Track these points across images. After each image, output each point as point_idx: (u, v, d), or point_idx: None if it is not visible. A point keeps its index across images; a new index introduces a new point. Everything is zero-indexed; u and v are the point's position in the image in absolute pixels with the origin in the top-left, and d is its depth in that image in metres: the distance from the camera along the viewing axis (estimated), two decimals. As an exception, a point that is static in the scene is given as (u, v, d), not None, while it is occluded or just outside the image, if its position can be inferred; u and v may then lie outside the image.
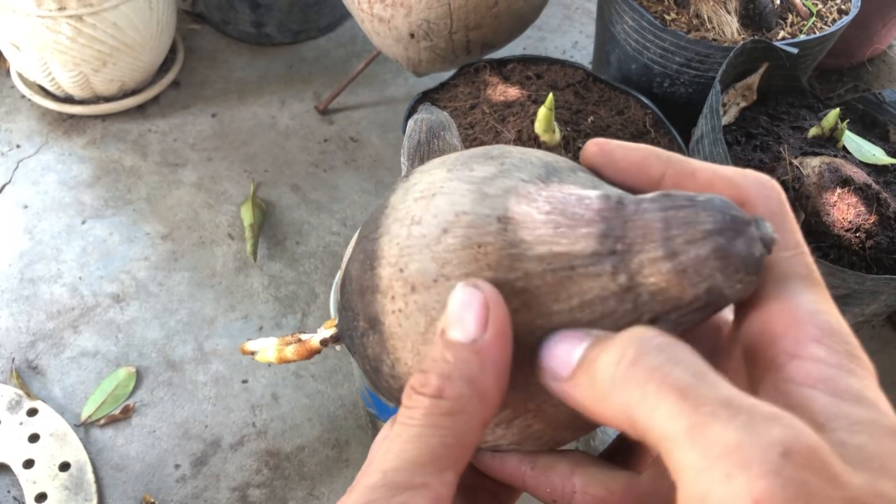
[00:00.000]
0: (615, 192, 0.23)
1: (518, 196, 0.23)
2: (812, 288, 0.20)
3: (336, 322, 0.30)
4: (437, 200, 0.23)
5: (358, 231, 0.28)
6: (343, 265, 0.29)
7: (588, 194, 0.23)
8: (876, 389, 0.18)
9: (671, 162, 0.23)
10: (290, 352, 0.30)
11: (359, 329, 0.25)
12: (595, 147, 0.25)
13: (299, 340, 0.31)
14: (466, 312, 0.21)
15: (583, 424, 0.24)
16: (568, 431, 0.24)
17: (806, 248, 0.21)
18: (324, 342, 0.30)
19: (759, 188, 0.21)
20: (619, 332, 0.19)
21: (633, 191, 0.24)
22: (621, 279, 0.21)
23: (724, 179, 0.22)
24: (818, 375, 0.18)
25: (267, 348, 0.31)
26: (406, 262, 0.23)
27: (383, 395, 0.26)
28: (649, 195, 0.22)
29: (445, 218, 0.23)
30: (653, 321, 0.21)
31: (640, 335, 0.18)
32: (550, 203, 0.23)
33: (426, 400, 0.20)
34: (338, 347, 0.30)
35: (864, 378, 0.18)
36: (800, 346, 0.18)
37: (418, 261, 0.22)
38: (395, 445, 0.20)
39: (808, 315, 0.19)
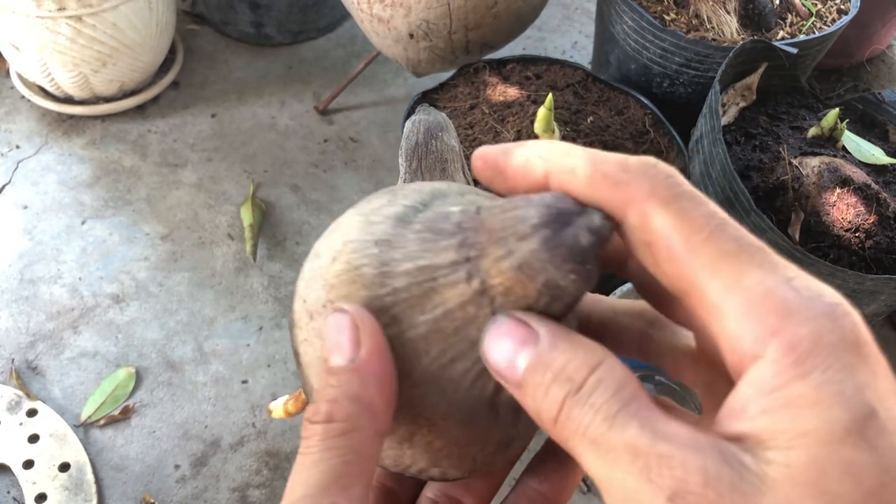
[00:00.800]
0: (484, 203, 0.23)
1: (396, 220, 0.24)
2: (752, 261, 0.18)
3: None
4: (334, 235, 0.25)
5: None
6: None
7: (453, 210, 0.24)
8: (848, 365, 0.17)
9: (551, 160, 0.21)
10: (291, 406, 0.31)
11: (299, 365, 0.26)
12: (480, 161, 0.23)
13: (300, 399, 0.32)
14: (340, 336, 0.22)
15: (493, 440, 0.24)
16: (476, 447, 0.24)
17: (724, 217, 0.19)
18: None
19: (642, 180, 0.19)
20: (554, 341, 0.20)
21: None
22: (475, 284, 0.22)
23: (605, 179, 0.20)
24: (774, 383, 0.17)
25: (281, 408, 0.32)
26: (307, 293, 0.24)
27: None
28: (500, 201, 0.23)
29: (335, 247, 0.24)
30: None
31: (574, 377, 0.19)
32: (423, 223, 0.24)
33: (319, 427, 0.21)
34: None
35: (834, 360, 0.17)
36: (758, 344, 0.17)
37: (314, 289, 0.24)
38: (299, 476, 0.21)
39: (761, 301, 0.17)
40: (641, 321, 0.25)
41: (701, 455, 0.17)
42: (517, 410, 0.24)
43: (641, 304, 0.25)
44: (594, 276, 0.21)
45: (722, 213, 0.19)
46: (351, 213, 0.26)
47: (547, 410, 0.19)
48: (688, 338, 0.23)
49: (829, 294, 0.18)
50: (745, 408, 0.17)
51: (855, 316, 0.17)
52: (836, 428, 0.16)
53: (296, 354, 0.25)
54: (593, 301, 0.26)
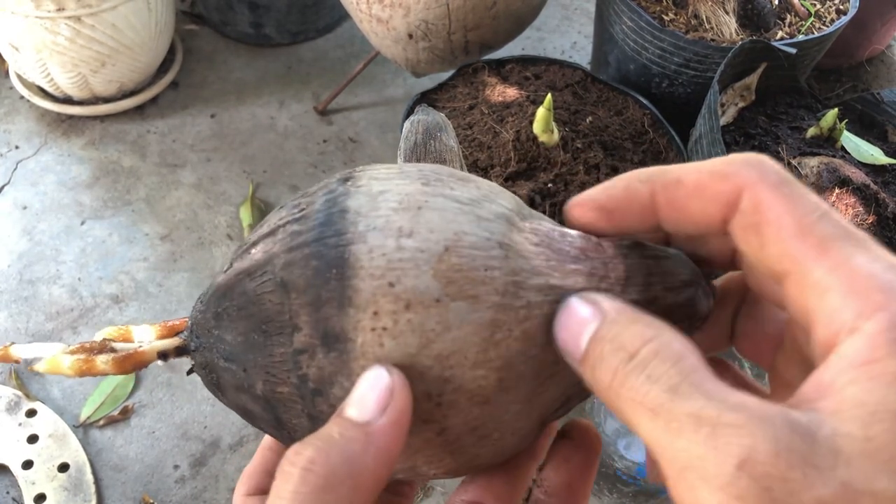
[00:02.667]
0: (548, 222, 0.24)
1: (508, 220, 0.23)
2: (858, 246, 0.18)
3: (186, 330, 0.26)
4: (427, 214, 0.22)
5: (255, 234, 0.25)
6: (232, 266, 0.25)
7: (569, 231, 0.24)
8: None
9: (654, 178, 0.22)
10: (102, 362, 0.25)
11: (291, 344, 0.22)
12: (578, 209, 0.24)
13: (112, 350, 0.25)
14: (370, 392, 0.20)
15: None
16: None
17: (828, 207, 0.19)
18: (164, 354, 0.25)
19: (750, 169, 0.20)
20: (619, 313, 0.20)
21: (632, 230, 0.24)
22: None
23: (712, 175, 0.21)
24: (868, 356, 0.17)
25: (55, 357, 0.25)
26: (398, 276, 0.21)
27: (284, 430, 0.24)
28: (624, 241, 0.23)
29: (445, 235, 0.22)
30: None
31: (630, 346, 0.19)
32: (537, 235, 0.23)
33: (296, 472, 0.19)
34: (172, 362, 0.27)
35: None
36: (860, 318, 0.17)
37: (415, 277, 0.21)
38: None
39: (867, 279, 0.18)
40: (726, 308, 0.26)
41: (771, 425, 0.16)
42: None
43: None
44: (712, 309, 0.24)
45: (826, 204, 0.20)
46: (428, 191, 0.23)
47: (600, 379, 0.19)
48: (774, 324, 0.25)
49: None
50: (833, 379, 0.17)
51: None
52: None
53: (334, 340, 0.21)
54: None
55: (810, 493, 0.15)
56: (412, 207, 0.22)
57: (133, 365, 0.25)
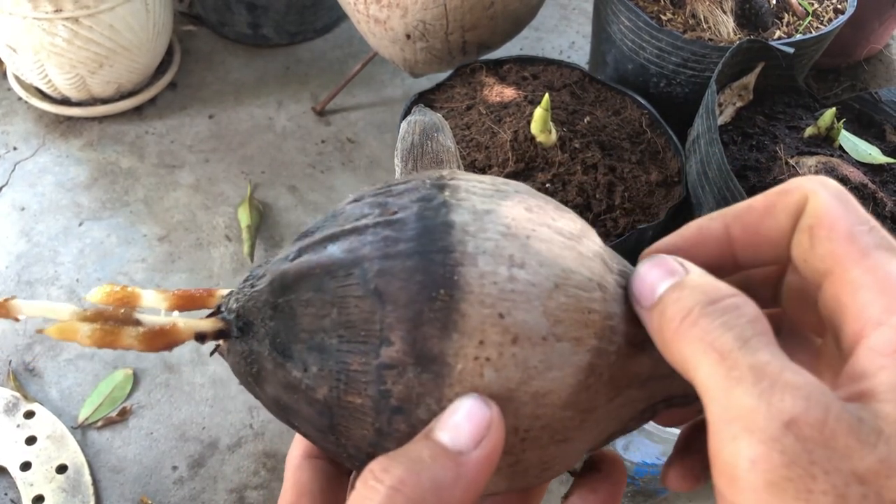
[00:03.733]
0: None
1: (603, 261, 0.23)
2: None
3: (226, 311, 0.24)
4: (536, 245, 0.22)
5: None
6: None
7: (635, 269, 0.24)
8: None
9: (724, 214, 0.24)
10: (130, 336, 0.22)
11: (377, 356, 0.21)
12: (653, 252, 0.24)
13: (138, 322, 0.23)
14: (466, 423, 0.20)
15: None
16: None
17: (878, 224, 0.21)
18: (202, 336, 0.24)
19: (815, 181, 0.22)
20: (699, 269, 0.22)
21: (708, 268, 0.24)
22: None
23: (780, 193, 0.22)
24: (893, 345, 0.18)
25: (71, 323, 0.22)
26: (508, 308, 0.20)
27: (334, 436, 0.23)
28: None
29: (554, 272, 0.21)
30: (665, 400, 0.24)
31: (712, 292, 0.20)
32: (623, 277, 0.24)
33: (382, 490, 0.19)
34: (212, 347, 0.24)
35: None
36: (886, 313, 0.19)
37: (525, 311, 0.21)
38: None
39: None
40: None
41: (825, 394, 0.17)
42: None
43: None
44: None
45: (875, 221, 0.21)
46: (533, 219, 0.22)
47: (671, 318, 0.20)
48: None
49: None
50: (864, 368, 0.18)
51: None
52: None
53: (434, 363, 0.20)
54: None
55: (849, 464, 0.16)
56: (521, 235, 0.22)
57: (165, 343, 0.23)
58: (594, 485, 0.26)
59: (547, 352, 0.21)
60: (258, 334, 0.23)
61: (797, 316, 0.25)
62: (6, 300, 0.22)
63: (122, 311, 0.23)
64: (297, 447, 0.26)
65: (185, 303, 0.24)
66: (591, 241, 0.24)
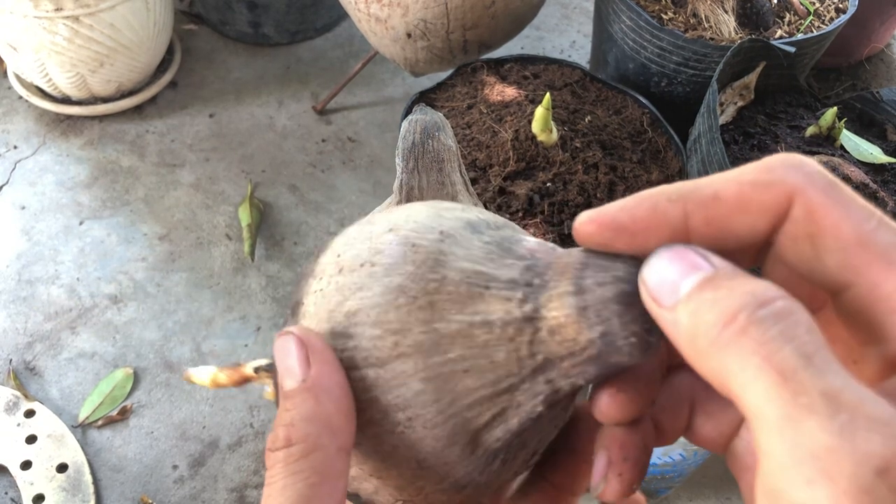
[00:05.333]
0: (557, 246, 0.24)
1: (468, 224, 0.24)
2: None
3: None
4: (396, 213, 0.24)
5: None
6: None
7: (529, 239, 0.24)
8: None
9: (687, 196, 0.19)
10: (223, 377, 0.29)
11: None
12: (592, 226, 0.20)
13: (237, 365, 0.30)
14: (288, 358, 0.21)
15: (452, 475, 0.23)
16: (432, 477, 0.23)
17: (881, 213, 0.18)
18: (257, 370, 0.29)
19: (796, 173, 0.19)
20: (736, 271, 0.18)
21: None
22: (527, 308, 0.21)
23: (755, 185, 0.19)
24: None
25: (205, 374, 0.30)
26: (346, 249, 0.24)
27: None
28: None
29: (396, 221, 0.24)
30: (539, 368, 0.21)
31: (759, 294, 0.16)
32: (493, 238, 0.23)
33: (280, 453, 0.21)
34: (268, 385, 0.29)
35: None
36: None
37: (356, 248, 0.23)
38: None
39: None
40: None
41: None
42: (493, 457, 0.23)
43: None
44: (651, 352, 0.20)
45: (875, 207, 0.18)
46: (420, 204, 0.25)
47: (711, 321, 0.16)
48: None
49: None
50: None
51: None
52: None
53: (295, 306, 0.24)
54: None
55: None
56: (389, 211, 0.25)
57: (241, 378, 0.28)
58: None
59: (361, 276, 0.23)
60: None
61: (787, 285, 0.23)
62: (187, 373, 0.29)
63: (236, 365, 0.29)
64: None
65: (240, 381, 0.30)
66: (469, 213, 0.24)
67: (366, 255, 0.23)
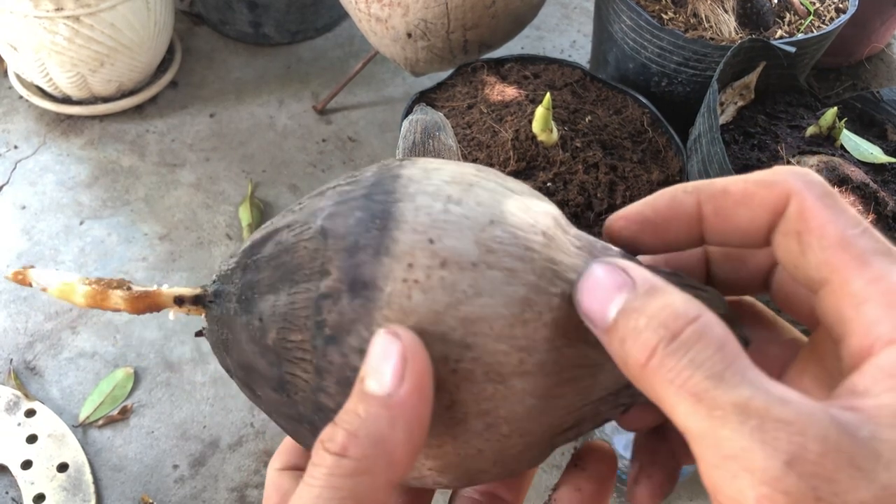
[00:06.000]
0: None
1: (555, 220, 0.23)
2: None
3: (210, 285, 0.25)
4: (477, 190, 0.22)
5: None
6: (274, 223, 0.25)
7: (612, 247, 0.24)
8: None
9: (700, 189, 0.23)
10: (117, 296, 0.24)
11: (318, 289, 0.21)
12: (621, 222, 0.24)
13: (129, 287, 0.25)
14: (384, 363, 0.20)
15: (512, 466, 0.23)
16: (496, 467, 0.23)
17: (869, 224, 0.20)
18: (180, 300, 0.25)
19: (797, 178, 0.21)
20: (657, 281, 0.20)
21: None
22: None
23: (759, 184, 0.21)
24: None
25: (70, 283, 0.25)
26: (439, 234, 0.21)
27: (284, 392, 0.23)
28: (664, 270, 0.23)
29: (492, 209, 0.22)
30: (629, 383, 0.21)
31: (673, 325, 0.18)
32: (580, 240, 0.23)
33: (329, 458, 0.20)
34: (190, 315, 0.25)
35: None
36: (894, 331, 0.18)
37: (456, 238, 0.21)
38: None
39: None
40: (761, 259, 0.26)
41: (819, 423, 0.17)
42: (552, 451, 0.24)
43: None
44: None
45: (864, 219, 0.20)
46: (481, 175, 0.23)
47: (636, 355, 0.19)
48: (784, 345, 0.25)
49: None
50: (868, 387, 0.18)
51: None
52: None
53: (361, 283, 0.21)
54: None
55: (854, 495, 0.16)
56: (464, 183, 0.22)
57: (147, 305, 0.24)
58: (577, 482, 0.26)
59: (477, 278, 0.21)
60: (229, 295, 0.24)
61: (788, 309, 0.25)
62: (25, 269, 0.25)
63: (118, 279, 0.25)
64: (275, 462, 0.26)
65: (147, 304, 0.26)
66: (547, 204, 0.24)
67: (475, 253, 0.21)
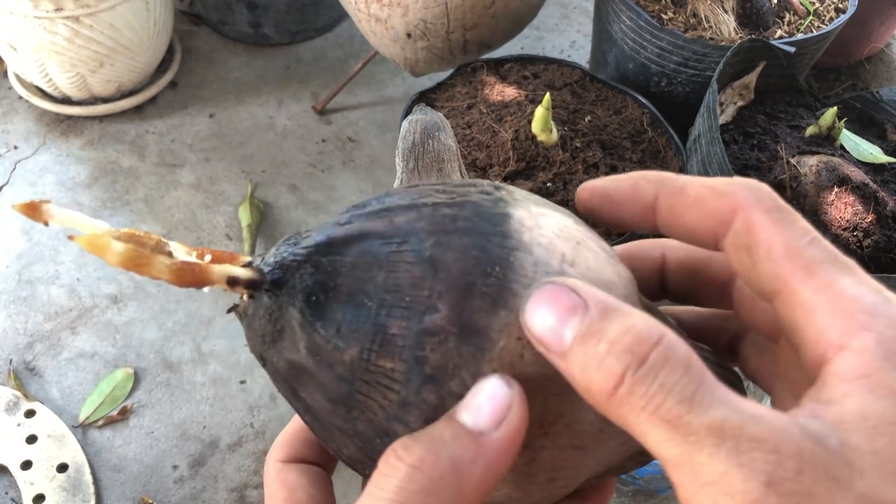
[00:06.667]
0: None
1: (635, 287, 0.24)
2: (844, 270, 0.19)
3: (267, 270, 0.23)
4: (584, 252, 0.22)
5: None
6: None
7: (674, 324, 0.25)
8: None
9: (661, 182, 0.23)
10: (161, 266, 0.21)
11: (420, 322, 0.21)
12: (587, 192, 0.25)
13: (170, 253, 0.22)
14: (487, 402, 0.19)
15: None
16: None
17: (818, 233, 0.20)
18: (233, 281, 0.23)
19: (748, 192, 0.21)
20: (613, 302, 0.19)
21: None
22: None
23: (712, 191, 0.22)
24: (860, 370, 0.17)
25: (103, 237, 0.21)
26: (551, 244, 0.21)
27: (346, 407, 0.22)
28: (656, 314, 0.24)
29: (599, 277, 0.22)
30: None
31: (637, 349, 0.18)
32: (644, 301, 0.25)
33: (403, 468, 0.19)
34: (244, 299, 0.23)
35: None
36: (846, 336, 0.18)
37: (552, 253, 0.21)
38: None
39: (852, 300, 0.18)
40: (733, 326, 0.27)
41: (793, 439, 0.17)
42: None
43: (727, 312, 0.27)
44: None
45: (816, 231, 0.20)
46: (581, 230, 0.23)
47: (600, 384, 0.18)
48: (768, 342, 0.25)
49: None
50: (830, 395, 0.18)
51: None
52: None
53: (473, 331, 0.20)
54: (682, 310, 0.28)
55: None
56: (572, 240, 0.22)
57: (194, 280, 0.21)
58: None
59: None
60: (292, 290, 0.22)
61: (750, 319, 0.25)
62: (41, 201, 0.22)
63: (155, 239, 0.22)
64: (276, 453, 0.26)
65: (211, 258, 0.23)
66: (623, 268, 0.24)
67: (571, 273, 0.22)
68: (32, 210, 0.21)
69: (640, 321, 0.19)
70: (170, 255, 0.22)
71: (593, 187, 0.25)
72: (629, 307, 0.19)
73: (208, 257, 0.23)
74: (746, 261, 0.21)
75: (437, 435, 0.19)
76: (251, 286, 0.23)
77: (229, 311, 0.24)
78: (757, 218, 0.20)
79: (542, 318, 0.20)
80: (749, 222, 0.21)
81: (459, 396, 0.20)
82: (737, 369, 0.27)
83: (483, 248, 0.21)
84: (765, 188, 0.21)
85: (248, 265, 0.23)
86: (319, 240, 0.23)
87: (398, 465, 0.19)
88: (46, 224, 0.22)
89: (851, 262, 0.20)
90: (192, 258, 0.22)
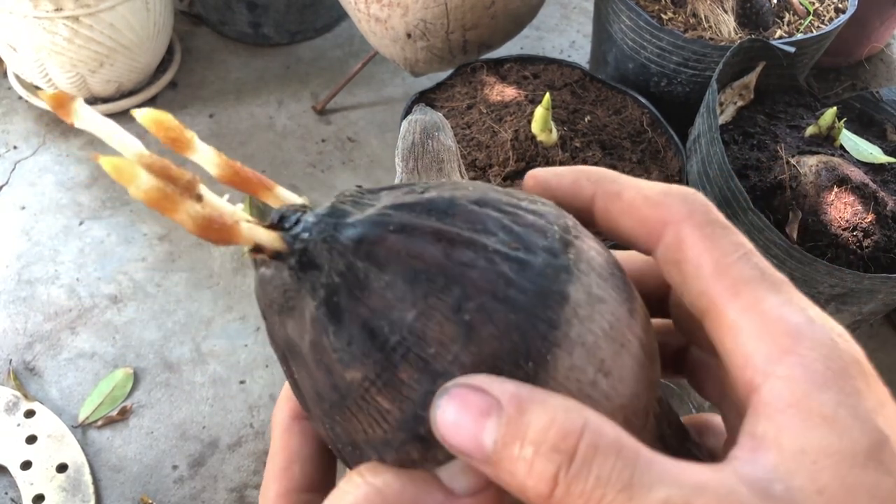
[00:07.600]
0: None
1: (658, 392, 0.24)
2: (771, 289, 0.19)
3: (293, 243, 0.21)
4: (624, 358, 0.21)
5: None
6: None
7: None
8: (856, 391, 0.17)
9: (599, 183, 0.23)
10: (187, 211, 0.19)
11: (430, 382, 0.20)
12: (532, 181, 0.24)
13: (200, 197, 0.21)
14: (470, 473, 0.19)
15: None
16: None
17: (751, 248, 0.20)
18: (258, 249, 0.21)
19: (681, 204, 0.20)
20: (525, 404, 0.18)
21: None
22: None
23: (646, 201, 0.21)
24: (789, 399, 0.17)
25: (133, 164, 0.19)
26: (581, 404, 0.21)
27: (327, 417, 0.22)
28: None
29: (627, 393, 0.21)
30: None
31: (564, 445, 0.17)
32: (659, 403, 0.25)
33: (364, 487, 0.19)
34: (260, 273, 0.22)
35: (844, 384, 0.17)
36: (771, 362, 0.18)
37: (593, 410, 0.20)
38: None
39: (777, 322, 0.18)
40: (677, 339, 0.25)
41: (740, 499, 0.16)
42: None
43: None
44: None
45: (749, 245, 0.20)
46: (635, 334, 0.22)
47: (535, 489, 0.17)
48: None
49: (837, 325, 0.18)
50: (765, 430, 0.17)
51: (858, 347, 0.18)
52: (858, 450, 0.16)
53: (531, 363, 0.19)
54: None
55: None
56: (617, 341, 0.21)
57: (219, 236, 0.20)
58: None
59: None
60: (316, 281, 0.21)
61: (688, 333, 0.24)
62: (71, 97, 0.20)
63: (189, 178, 0.20)
64: (284, 407, 0.25)
65: (239, 181, 0.21)
66: (656, 366, 0.23)
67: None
68: (60, 104, 0.19)
69: (560, 409, 0.18)
70: (199, 198, 0.20)
71: (537, 176, 0.24)
72: (543, 393, 0.18)
73: (240, 209, 0.21)
74: (676, 276, 0.20)
75: (411, 475, 0.19)
76: (275, 257, 0.22)
77: (249, 251, 0.22)
78: (687, 232, 0.20)
79: (456, 427, 0.18)
80: (679, 237, 0.20)
81: (442, 463, 0.20)
82: (685, 382, 0.27)
83: (524, 335, 0.20)
84: (699, 199, 0.21)
85: (278, 225, 0.22)
86: (366, 234, 0.21)
87: (359, 483, 0.19)
88: (72, 125, 0.19)
89: (781, 278, 0.19)
90: (225, 203, 0.21)
